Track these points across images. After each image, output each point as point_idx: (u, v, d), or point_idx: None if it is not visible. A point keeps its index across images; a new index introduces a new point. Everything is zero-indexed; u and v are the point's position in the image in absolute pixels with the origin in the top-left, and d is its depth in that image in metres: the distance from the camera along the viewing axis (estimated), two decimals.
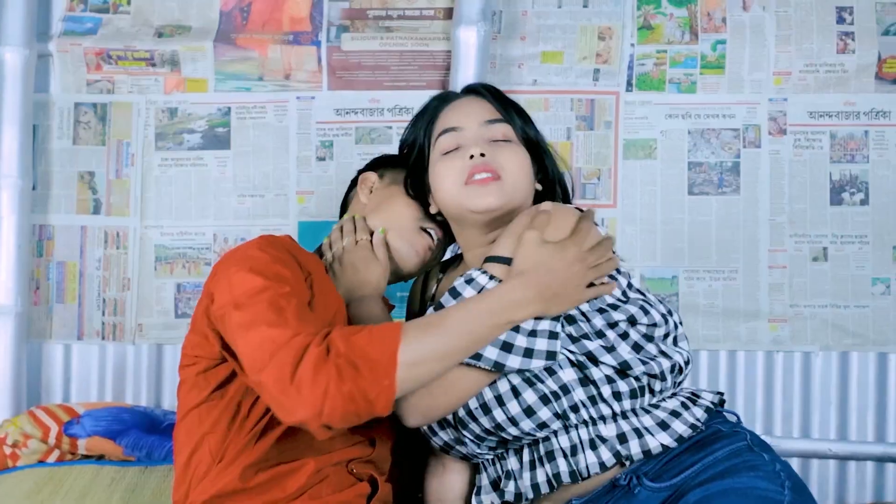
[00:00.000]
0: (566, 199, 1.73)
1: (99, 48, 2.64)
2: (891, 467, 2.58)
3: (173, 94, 2.66)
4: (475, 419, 1.52)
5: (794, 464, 2.58)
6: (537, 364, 1.45)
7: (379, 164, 1.86)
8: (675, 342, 1.60)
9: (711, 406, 1.58)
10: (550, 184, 1.70)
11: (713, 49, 2.61)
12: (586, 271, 1.46)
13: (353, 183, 1.91)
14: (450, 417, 1.58)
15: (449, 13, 2.61)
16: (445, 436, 1.62)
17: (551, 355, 1.45)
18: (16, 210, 2.58)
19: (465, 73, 2.54)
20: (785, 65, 2.60)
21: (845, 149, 2.60)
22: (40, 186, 2.65)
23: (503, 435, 1.52)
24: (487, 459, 1.64)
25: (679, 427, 1.52)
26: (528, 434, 1.51)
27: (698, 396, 1.60)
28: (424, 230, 1.74)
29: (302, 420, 1.36)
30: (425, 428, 1.63)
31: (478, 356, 1.44)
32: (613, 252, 1.53)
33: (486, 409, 1.50)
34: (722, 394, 1.64)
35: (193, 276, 2.65)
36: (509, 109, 1.68)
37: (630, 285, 1.58)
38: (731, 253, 2.61)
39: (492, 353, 1.44)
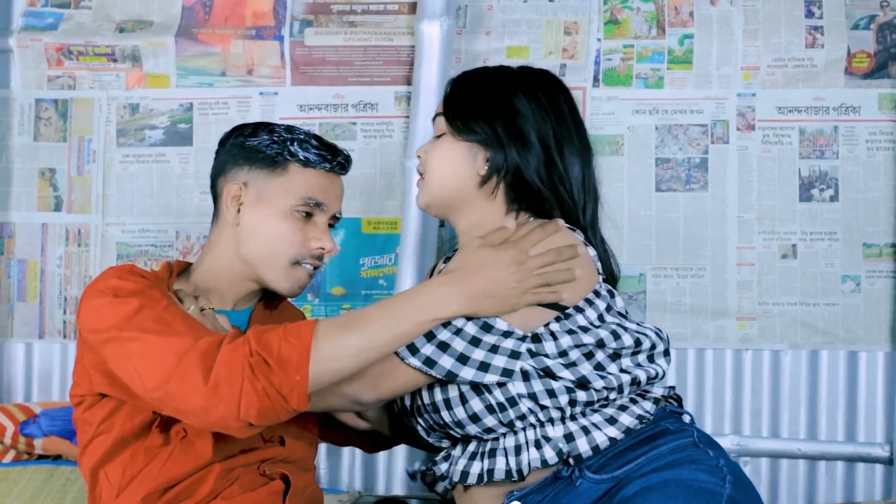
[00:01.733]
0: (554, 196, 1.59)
1: (60, 43, 2.61)
2: (861, 467, 2.54)
3: (135, 89, 2.63)
4: (428, 413, 1.53)
5: (763, 464, 2.55)
6: (491, 379, 1.43)
7: (240, 161, 1.66)
8: (650, 359, 1.56)
9: (661, 398, 1.56)
10: (499, 171, 1.56)
11: (680, 44, 2.58)
12: (527, 276, 1.43)
13: (219, 150, 1.73)
14: (406, 406, 1.59)
15: (413, 8, 2.58)
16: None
17: (507, 373, 1.43)
18: None
19: (429, 68, 2.51)
20: (753, 59, 2.56)
21: (815, 144, 2.56)
22: (0, 183, 2.62)
23: (450, 432, 1.53)
24: None
25: (626, 419, 1.49)
26: (475, 436, 1.51)
27: (647, 391, 1.58)
28: (299, 263, 1.63)
29: (221, 418, 1.34)
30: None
31: (431, 363, 1.43)
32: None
33: (434, 408, 1.50)
34: (673, 387, 1.62)
35: None
36: (452, 99, 1.63)
37: (609, 308, 1.54)
38: (699, 250, 2.57)
39: (447, 361, 1.43)
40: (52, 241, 2.63)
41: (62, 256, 2.63)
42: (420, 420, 1.56)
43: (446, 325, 1.43)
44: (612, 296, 1.57)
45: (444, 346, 1.42)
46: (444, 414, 1.49)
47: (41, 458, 2.40)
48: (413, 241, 2.47)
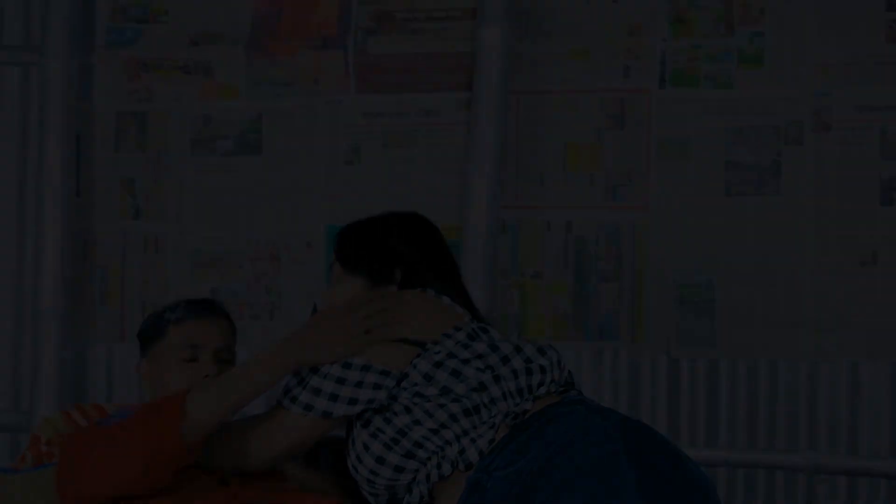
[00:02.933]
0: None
1: (138, 58, 2.72)
2: None
3: (207, 101, 2.71)
4: (358, 481, 1.68)
5: (841, 482, 2.43)
6: (360, 409, 1.63)
7: (141, 350, 1.93)
8: (527, 361, 1.64)
9: (546, 393, 1.63)
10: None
11: (751, 42, 2.48)
12: (356, 322, 1.66)
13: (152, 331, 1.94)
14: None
15: (475, 13, 2.56)
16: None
17: (372, 401, 1.62)
18: (60, 216, 2.68)
19: (489, 74, 2.51)
20: (829, 57, 2.44)
21: None
22: (83, 193, 2.74)
23: (382, 488, 1.66)
24: None
25: (499, 418, 1.58)
26: (393, 479, 1.63)
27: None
28: None
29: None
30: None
31: (310, 408, 1.64)
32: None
33: (356, 470, 1.67)
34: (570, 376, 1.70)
35: (228, 281, 2.69)
36: (342, 249, 1.84)
37: (473, 337, 1.66)
38: (771, 257, 2.46)
39: (321, 403, 1.63)
40: (132, 248, 2.74)
41: (141, 263, 2.73)
42: (364, 492, 1.70)
43: (315, 371, 1.66)
44: (484, 331, 1.69)
45: (316, 391, 1.64)
46: (363, 470, 1.64)
47: None
48: (476, 246, 2.48)
